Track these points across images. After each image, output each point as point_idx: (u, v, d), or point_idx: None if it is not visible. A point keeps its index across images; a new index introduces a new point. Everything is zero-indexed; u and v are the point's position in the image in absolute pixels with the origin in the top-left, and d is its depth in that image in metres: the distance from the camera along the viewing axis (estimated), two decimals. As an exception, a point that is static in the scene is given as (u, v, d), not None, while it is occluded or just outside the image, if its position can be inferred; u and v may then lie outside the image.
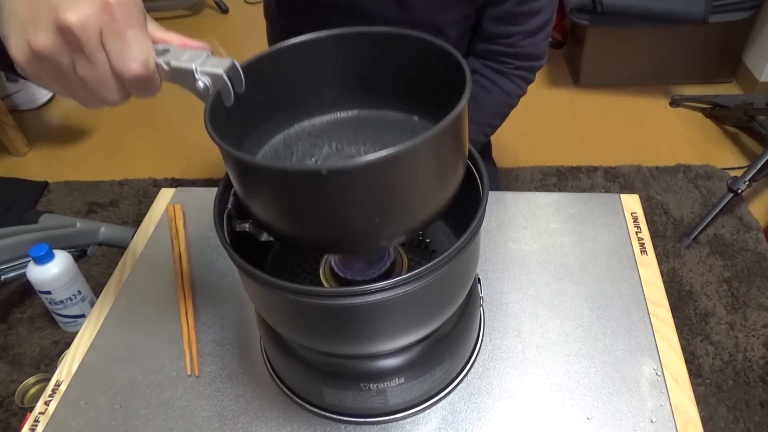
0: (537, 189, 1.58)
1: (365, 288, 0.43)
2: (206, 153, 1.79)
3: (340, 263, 0.54)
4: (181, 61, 0.40)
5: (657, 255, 0.98)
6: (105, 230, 1.45)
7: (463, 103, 0.39)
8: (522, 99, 0.98)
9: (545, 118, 1.87)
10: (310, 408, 0.58)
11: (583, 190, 1.58)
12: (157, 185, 1.66)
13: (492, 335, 0.64)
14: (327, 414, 0.58)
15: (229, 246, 0.46)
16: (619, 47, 1.89)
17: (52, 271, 1.11)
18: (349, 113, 0.53)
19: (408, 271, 0.43)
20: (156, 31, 0.41)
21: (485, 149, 1.18)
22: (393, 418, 0.57)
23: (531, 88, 0.97)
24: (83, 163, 1.81)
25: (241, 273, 0.48)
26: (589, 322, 0.65)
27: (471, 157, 0.53)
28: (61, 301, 1.16)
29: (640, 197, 0.80)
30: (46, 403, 0.61)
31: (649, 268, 0.70)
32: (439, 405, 0.58)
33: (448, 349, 0.56)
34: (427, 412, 0.58)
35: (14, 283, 1.32)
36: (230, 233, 0.50)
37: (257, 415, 0.59)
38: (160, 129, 1.93)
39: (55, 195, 1.67)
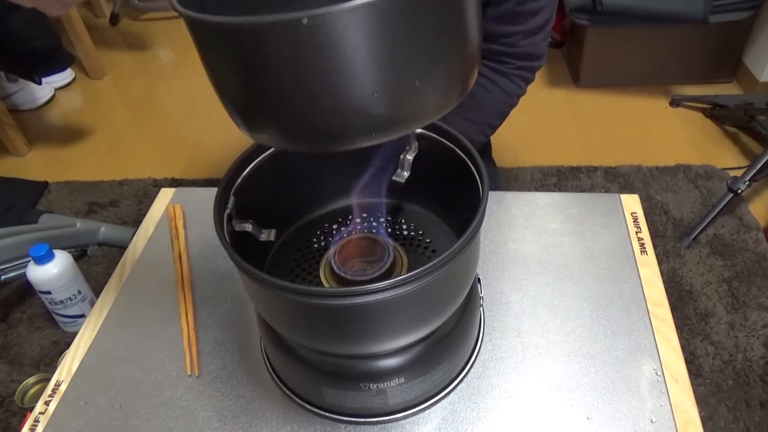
0: (537, 189, 1.58)
1: (365, 288, 0.43)
2: (206, 153, 1.79)
3: (340, 263, 0.54)
4: None
5: (657, 255, 0.98)
6: (105, 230, 1.45)
7: None
8: (522, 99, 0.98)
9: (545, 118, 1.87)
10: (310, 408, 0.58)
11: (583, 190, 1.58)
12: (157, 185, 1.66)
13: (492, 335, 0.64)
14: (327, 414, 0.58)
15: (229, 246, 0.46)
16: (619, 47, 1.88)
17: (52, 271, 1.11)
18: None
19: (408, 271, 0.43)
20: None
21: (485, 149, 1.18)
22: (393, 418, 0.57)
23: (531, 88, 0.97)
24: (83, 163, 1.81)
25: (241, 273, 0.48)
26: (589, 322, 0.65)
27: (471, 157, 0.53)
28: (61, 301, 1.16)
29: (640, 197, 0.80)
30: (46, 403, 0.61)
31: (649, 268, 0.70)
32: (439, 405, 0.58)
33: (448, 349, 0.56)
34: (427, 412, 0.58)
35: (14, 283, 1.32)
36: (230, 233, 0.50)
37: (257, 415, 0.59)
38: (160, 129, 1.93)
39: (55, 195, 1.67)
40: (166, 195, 0.85)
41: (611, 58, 1.91)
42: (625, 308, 0.66)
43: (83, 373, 0.64)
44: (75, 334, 0.68)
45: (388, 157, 0.57)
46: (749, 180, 1.37)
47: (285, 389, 0.60)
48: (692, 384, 0.59)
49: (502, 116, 0.98)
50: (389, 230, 0.63)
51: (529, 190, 1.56)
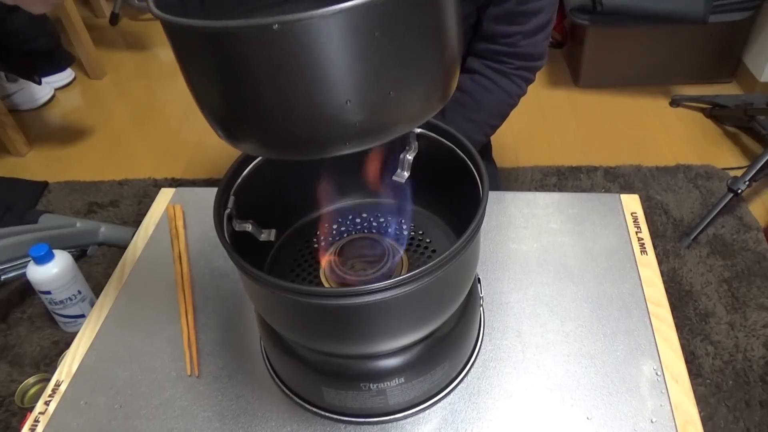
0: (537, 189, 1.58)
1: (365, 288, 0.43)
2: (206, 153, 1.79)
3: (340, 263, 0.54)
4: None
5: (657, 255, 0.98)
6: (105, 230, 1.45)
7: None
8: (522, 99, 0.98)
9: (545, 118, 1.87)
10: (310, 408, 0.58)
11: (583, 190, 1.58)
12: (157, 185, 1.66)
13: (492, 335, 0.64)
14: (327, 414, 0.58)
15: (229, 246, 0.46)
16: (619, 47, 1.88)
17: (52, 271, 1.11)
18: None
19: (408, 271, 0.43)
20: None
21: (485, 149, 1.18)
22: (393, 418, 0.57)
23: (531, 88, 0.97)
24: (83, 163, 1.81)
25: (241, 273, 0.48)
26: (589, 322, 0.65)
27: (471, 157, 0.53)
28: (61, 301, 1.16)
29: (640, 197, 0.80)
30: (46, 403, 0.61)
31: (649, 268, 0.70)
32: (439, 405, 0.58)
33: (448, 349, 0.56)
34: (427, 412, 0.58)
35: (14, 283, 1.32)
36: (230, 233, 0.50)
37: (257, 415, 0.59)
38: (160, 129, 1.93)
39: (55, 195, 1.67)
40: (166, 195, 0.85)
41: (611, 58, 1.91)
42: (625, 308, 0.66)
43: (83, 373, 0.64)
44: (75, 334, 0.68)
45: (388, 157, 0.57)
46: (749, 180, 1.37)
47: (285, 389, 0.60)
48: (692, 384, 0.59)
49: (503, 116, 0.98)
50: (389, 230, 0.63)
51: (529, 190, 1.56)
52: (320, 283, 0.55)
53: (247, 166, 0.56)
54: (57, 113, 2.06)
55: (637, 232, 0.75)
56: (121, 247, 1.44)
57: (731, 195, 1.39)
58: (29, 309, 1.32)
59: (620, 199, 0.79)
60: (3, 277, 1.18)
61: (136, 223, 1.46)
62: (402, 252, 0.58)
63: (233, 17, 0.30)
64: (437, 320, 0.51)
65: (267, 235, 0.55)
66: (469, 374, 0.61)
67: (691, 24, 1.69)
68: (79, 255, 1.40)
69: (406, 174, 0.56)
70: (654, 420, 0.56)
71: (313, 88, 0.32)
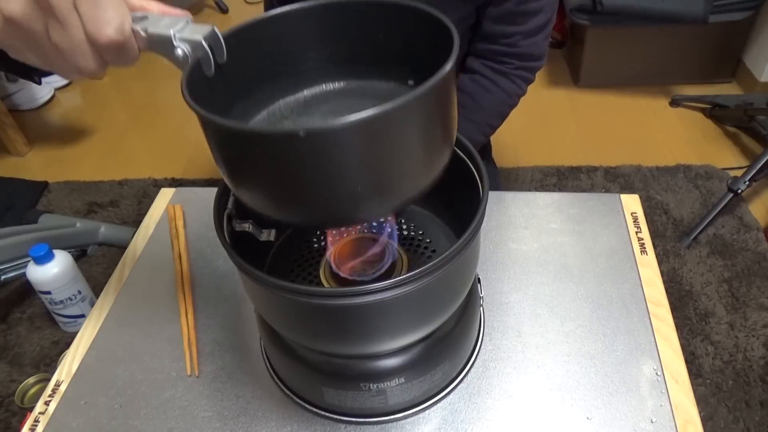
0: (537, 189, 1.58)
1: (365, 288, 0.43)
2: (206, 153, 1.78)
3: (340, 263, 0.54)
4: (159, 28, 0.38)
5: (657, 255, 0.98)
6: (105, 230, 1.45)
7: (450, 64, 0.38)
8: (522, 99, 0.98)
9: (545, 118, 1.87)
10: (310, 408, 0.58)
11: (583, 190, 1.58)
12: (157, 185, 1.66)
13: (492, 335, 0.64)
14: (327, 414, 0.58)
15: (229, 246, 0.46)
16: (619, 47, 1.88)
17: (52, 271, 1.11)
18: (337, 85, 0.50)
19: (408, 271, 0.43)
20: None
21: (485, 149, 1.18)
22: (393, 418, 0.57)
23: (531, 88, 0.97)
24: (83, 163, 1.81)
25: (241, 273, 0.48)
26: (589, 322, 0.65)
27: (471, 157, 0.53)
28: (61, 301, 1.16)
29: (640, 197, 0.80)
30: (46, 403, 0.61)
31: (649, 268, 0.70)
32: (439, 405, 0.58)
33: (448, 349, 0.56)
34: (427, 412, 0.58)
35: (14, 283, 1.32)
36: (230, 233, 0.50)
37: (257, 415, 0.59)
38: (160, 129, 1.93)
39: (55, 195, 1.67)
40: (166, 195, 0.86)
41: (611, 58, 1.92)
42: (625, 308, 0.66)
43: (83, 373, 0.64)
44: (75, 334, 0.68)
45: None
46: (749, 180, 1.37)
47: (285, 389, 0.60)
48: (692, 384, 0.59)
49: (503, 116, 0.99)
50: (389, 230, 0.63)
51: (529, 190, 1.56)
52: (320, 283, 0.55)
53: (247, 167, 0.56)
54: (57, 113, 2.06)
55: (637, 232, 0.75)
56: (121, 247, 1.44)
57: (731, 195, 1.39)
58: (29, 309, 1.32)
59: (620, 199, 0.79)
60: (3, 277, 1.18)
61: (136, 223, 1.46)
62: (401, 252, 0.58)
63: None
64: (437, 320, 0.51)
65: (267, 235, 0.55)
66: (469, 374, 0.61)
67: (691, 24, 1.69)
68: (79, 255, 1.40)
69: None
70: (654, 420, 0.56)
71: (330, 180, 0.37)
